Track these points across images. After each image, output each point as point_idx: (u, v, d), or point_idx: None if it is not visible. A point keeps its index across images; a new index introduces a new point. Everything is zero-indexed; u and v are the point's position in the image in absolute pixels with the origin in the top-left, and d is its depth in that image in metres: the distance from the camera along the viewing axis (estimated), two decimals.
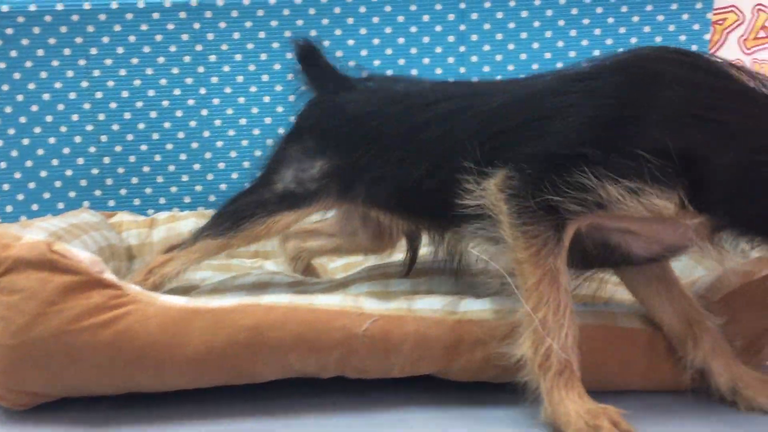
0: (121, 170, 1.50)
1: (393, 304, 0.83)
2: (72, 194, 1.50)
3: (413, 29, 1.49)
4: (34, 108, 1.46)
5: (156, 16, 1.45)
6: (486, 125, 0.84)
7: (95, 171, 1.50)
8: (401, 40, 1.49)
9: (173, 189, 1.51)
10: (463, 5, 1.47)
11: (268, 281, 1.10)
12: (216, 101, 1.49)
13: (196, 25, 1.46)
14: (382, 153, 0.93)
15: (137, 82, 1.48)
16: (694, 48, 1.47)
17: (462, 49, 1.50)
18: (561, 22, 1.49)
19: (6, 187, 1.48)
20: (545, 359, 0.72)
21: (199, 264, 1.03)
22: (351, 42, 1.49)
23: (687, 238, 0.75)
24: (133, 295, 0.79)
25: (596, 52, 1.47)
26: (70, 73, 1.46)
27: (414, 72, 1.48)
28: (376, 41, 1.49)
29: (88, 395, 0.82)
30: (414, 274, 1.05)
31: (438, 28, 1.49)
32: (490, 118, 0.84)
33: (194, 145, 1.51)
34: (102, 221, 1.30)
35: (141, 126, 1.49)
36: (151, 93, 1.48)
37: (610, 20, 1.49)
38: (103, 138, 1.49)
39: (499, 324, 0.80)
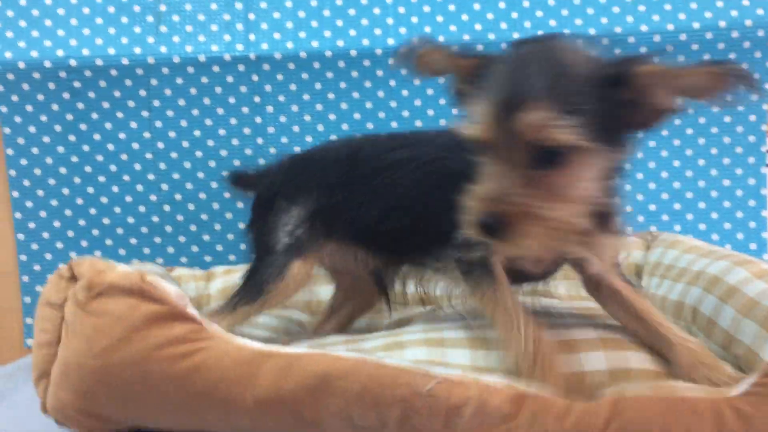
0: (180, 218, 1.54)
1: (461, 371, 0.84)
2: (133, 241, 1.54)
3: None
4: (99, 158, 1.51)
5: (216, 69, 1.49)
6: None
7: (155, 218, 1.54)
8: None
9: (230, 236, 1.54)
10: None
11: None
12: (273, 150, 1.52)
13: (255, 77, 1.49)
14: (347, 195, 1.03)
15: (197, 133, 1.52)
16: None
17: None
18: None
19: (71, 233, 1.53)
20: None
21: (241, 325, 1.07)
22: (405, 92, 1.51)
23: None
24: (212, 332, 0.82)
25: None
26: (133, 125, 1.51)
27: None
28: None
29: (156, 428, 0.84)
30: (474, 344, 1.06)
31: None
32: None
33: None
34: (165, 274, 1.33)
35: (200, 175, 1.53)
36: (210, 143, 1.52)
37: None
38: (164, 187, 1.53)
39: (558, 401, 0.81)
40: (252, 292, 1.03)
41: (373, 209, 1.01)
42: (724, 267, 1.06)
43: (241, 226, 1.53)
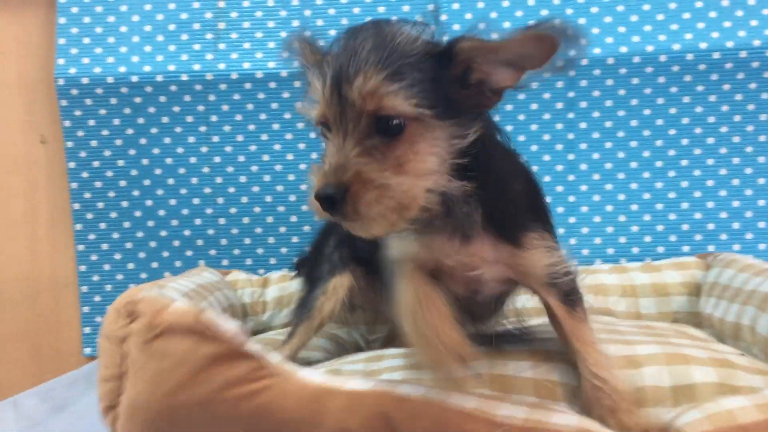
0: (235, 231, 1.56)
1: (524, 412, 0.83)
2: (189, 253, 1.57)
3: None
4: (158, 171, 1.54)
5: (272, 85, 1.51)
6: None
7: (211, 231, 1.56)
8: None
9: (283, 250, 1.56)
10: None
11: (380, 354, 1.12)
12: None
13: None
14: None
15: (253, 147, 1.54)
16: None
17: None
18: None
19: (129, 245, 1.57)
20: None
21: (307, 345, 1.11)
22: None
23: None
24: (273, 367, 0.81)
25: None
26: (191, 139, 1.53)
27: None
28: None
29: None
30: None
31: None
32: None
33: (304, 207, 1.55)
34: (221, 280, 1.35)
35: (255, 189, 1.55)
36: (265, 158, 1.54)
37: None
38: (220, 200, 1.55)
39: None
40: (303, 312, 1.11)
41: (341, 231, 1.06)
42: None
43: (295, 240, 1.55)
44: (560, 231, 1.53)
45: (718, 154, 1.50)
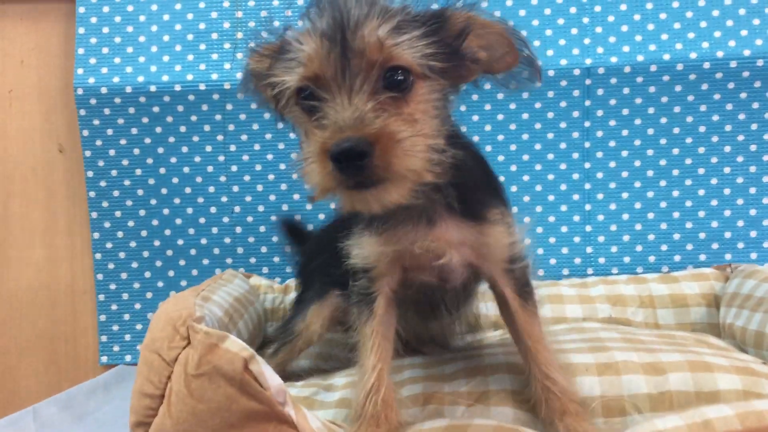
0: (251, 239, 1.57)
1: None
2: (205, 261, 1.57)
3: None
4: (175, 180, 1.55)
5: None
6: None
7: (227, 240, 1.57)
8: None
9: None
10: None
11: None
12: None
13: None
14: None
15: (269, 156, 1.55)
16: None
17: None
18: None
19: (146, 254, 1.57)
20: None
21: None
22: (476, 117, 1.52)
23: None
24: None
25: None
26: (208, 148, 1.54)
27: None
28: None
29: None
30: None
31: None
32: None
33: (321, 216, 1.55)
34: (250, 289, 1.36)
35: (272, 198, 1.55)
36: (282, 166, 1.55)
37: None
38: (237, 209, 1.56)
39: None
40: (285, 335, 1.13)
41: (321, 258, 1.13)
42: None
43: None
44: (576, 239, 1.53)
45: (735, 162, 1.49)
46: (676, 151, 1.50)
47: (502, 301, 0.91)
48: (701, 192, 1.51)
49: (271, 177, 1.55)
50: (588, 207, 1.53)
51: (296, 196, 1.56)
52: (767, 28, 1.45)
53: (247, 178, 1.55)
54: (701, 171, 1.50)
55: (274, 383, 0.78)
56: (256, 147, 1.54)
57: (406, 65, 0.69)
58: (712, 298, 1.31)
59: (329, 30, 0.68)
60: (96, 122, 1.54)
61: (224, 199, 1.56)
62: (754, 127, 1.48)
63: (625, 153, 1.51)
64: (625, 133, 1.50)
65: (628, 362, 0.95)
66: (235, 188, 1.56)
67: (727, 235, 1.51)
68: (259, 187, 1.55)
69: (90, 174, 1.56)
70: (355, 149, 0.63)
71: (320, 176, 0.66)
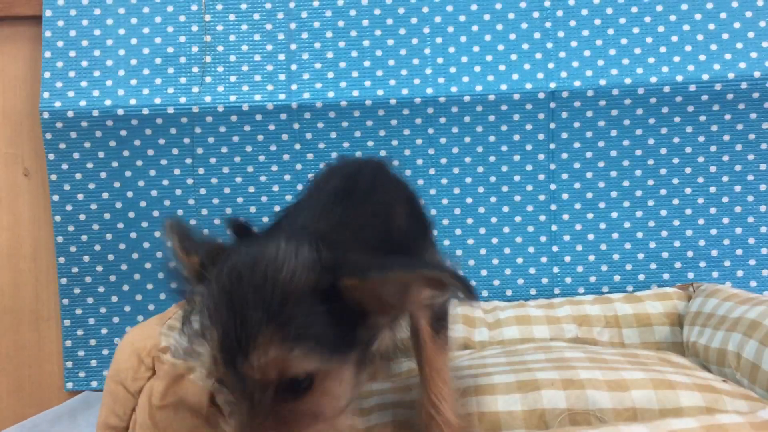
0: None
1: None
2: (173, 285, 1.56)
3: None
4: (143, 203, 1.54)
5: (258, 117, 1.52)
6: None
7: None
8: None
9: None
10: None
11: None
12: None
13: (296, 125, 1.53)
14: None
15: (238, 179, 1.55)
16: None
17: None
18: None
19: (113, 278, 1.56)
20: None
21: None
22: (443, 140, 1.54)
23: None
24: None
25: None
26: (177, 171, 1.54)
27: None
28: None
29: None
30: None
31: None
32: None
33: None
34: None
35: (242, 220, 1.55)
36: (251, 189, 1.55)
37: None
38: (206, 231, 1.55)
39: None
40: None
41: None
42: (762, 311, 1.07)
43: None
44: (543, 260, 1.55)
45: (696, 183, 1.53)
46: (638, 172, 1.53)
47: (414, 329, 0.92)
48: (663, 212, 1.54)
49: (240, 200, 1.55)
50: (554, 228, 1.55)
51: (265, 219, 1.55)
52: (723, 53, 1.49)
53: (216, 201, 1.55)
54: (663, 192, 1.54)
55: None
56: (225, 170, 1.55)
57: (303, 373, 0.64)
58: (676, 317, 1.34)
59: (223, 347, 0.63)
60: (62, 146, 1.52)
61: (193, 222, 1.55)
62: (713, 149, 1.52)
63: (589, 174, 1.54)
64: (589, 155, 1.53)
65: (593, 379, 0.97)
66: (204, 211, 1.55)
67: (690, 254, 1.54)
68: (228, 210, 1.55)
69: (56, 198, 1.54)
70: None
71: None
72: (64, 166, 1.53)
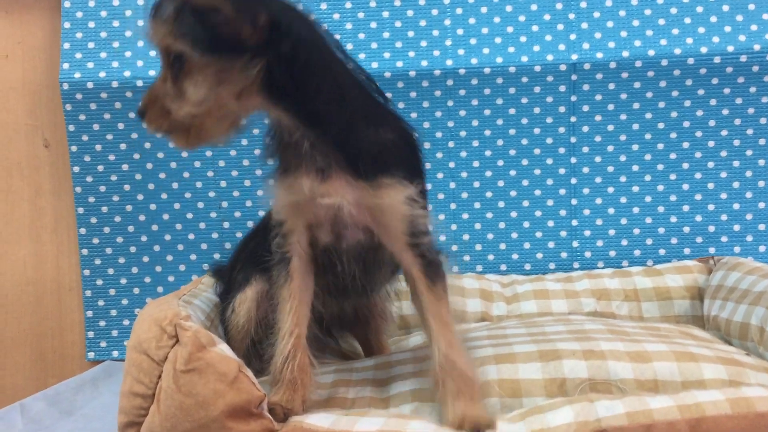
0: (239, 234, 1.56)
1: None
2: (193, 257, 1.57)
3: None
4: (162, 175, 1.55)
5: None
6: None
7: (215, 235, 1.57)
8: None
9: None
10: None
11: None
12: None
13: None
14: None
15: (257, 152, 1.54)
16: None
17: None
18: None
19: (133, 249, 1.57)
20: None
21: None
22: (462, 112, 1.52)
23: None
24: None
25: None
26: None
27: None
28: None
29: None
30: None
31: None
32: None
33: None
34: None
35: (259, 193, 1.55)
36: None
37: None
38: (224, 204, 1.56)
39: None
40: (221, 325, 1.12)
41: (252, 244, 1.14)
42: None
43: None
44: (563, 234, 1.54)
45: (719, 157, 1.51)
46: (660, 146, 1.52)
47: (410, 283, 0.92)
48: (685, 186, 1.52)
49: (258, 172, 1.55)
50: (574, 201, 1.54)
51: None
52: (750, 24, 1.46)
53: (234, 173, 1.55)
54: (685, 166, 1.52)
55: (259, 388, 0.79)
56: (244, 142, 1.54)
57: (174, 51, 0.82)
58: (696, 290, 1.33)
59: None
60: (82, 117, 1.53)
61: (212, 194, 1.56)
62: (737, 122, 1.49)
63: (610, 148, 1.52)
64: (610, 128, 1.52)
65: (614, 350, 0.96)
66: (223, 183, 1.56)
67: (711, 229, 1.52)
68: (247, 182, 1.56)
69: (76, 169, 1.55)
70: (141, 111, 0.87)
71: None
72: (84, 138, 1.54)
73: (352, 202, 0.87)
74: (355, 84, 0.91)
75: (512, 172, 1.54)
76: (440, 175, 1.55)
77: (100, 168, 1.55)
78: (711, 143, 1.51)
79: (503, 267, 1.56)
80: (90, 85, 1.51)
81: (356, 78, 0.92)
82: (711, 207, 1.52)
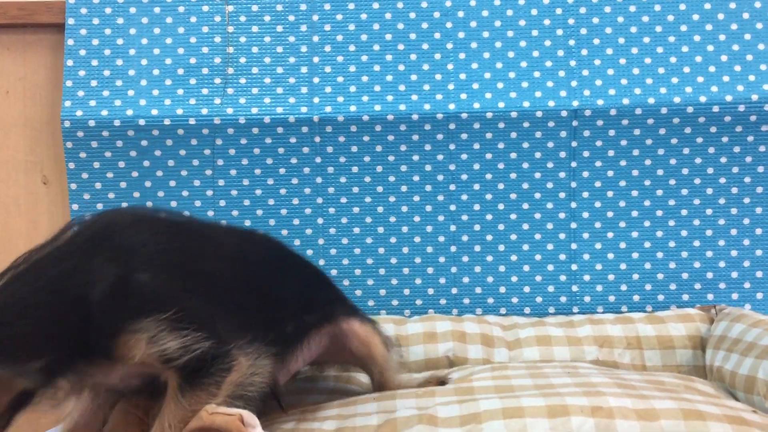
0: None
1: None
2: None
3: None
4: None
5: (280, 130, 1.52)
6: None
7: None
8: None
9: None
10: None
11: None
12: (332, 210, 1.54)
13: (317, 139, 1.52)
14: None
15: (258, 192, 1.54)
16: None
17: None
18: None
19: None
20: None
21: None
22: (464, 156, 1.53)
23: None
24: None
25: None
26: (196, 183, 1.54)
27: None
28: None
29: None
30: None
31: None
32: None
33: (310, 251, 1.55)
34: None
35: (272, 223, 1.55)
36: (270, 202, 1.54)
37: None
38: None
39: None
40: None
41: None
42: None
43: None
44: (562, 278, 1.55)
45: (717, 204, 1.53)
46: (659, 192, 1.53)
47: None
48: (684, 233, 1.53)
49: (259, 212, 1.55)
50: (574, 246, 1.55)
51: (284, 232, 1.55)
52: (748, 74, 1.49)
53: (235, 213, 1.55)
54: (684, 212, 1.53)
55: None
56: (245, 182, 1.54)
57: None
58: (698, 340, 1.33)
59: None
60: (82, 155, 1.52)
61: None
62: (735, 170, 1.51)
63: (610, 193, 1.53)
64: (610, 173, 1.53)
65: (622, 408, 0.95)
66: (223, 222, 1.55)
67: (709, 275, 1.53)
68: (247, 222, 1.55)
69: (75, 207, 1.54)
70: None
71: None
72: (84, 175, 1.53)
73: None
74: None
75: (512, 216, 1.55)
76: (441, 218, 1.55)
77: (99, 206, 1.54)
78: (709, 190, 1.52)
79: (503, 311, 1.56)
80: (92, 123, 1.51)
81: None
82: (709, 253, 1.53)
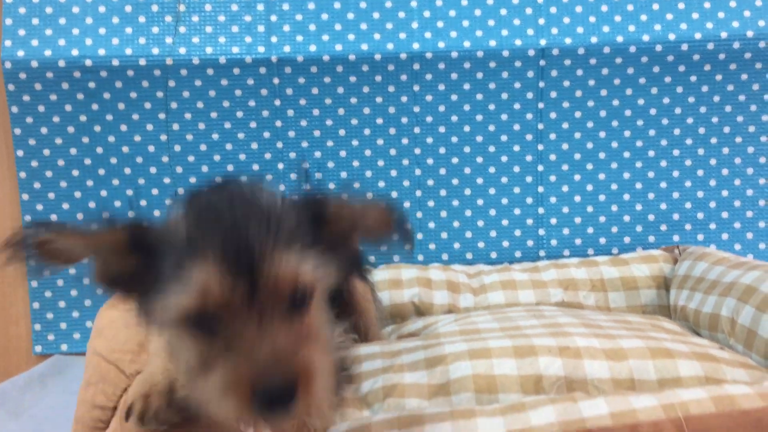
0: None
1: None
2: None
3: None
4: (113, 160, 1.47)
5: (236, 71, 1.45)
6: None
7: None
8: None
9: None
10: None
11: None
12: (293, 155, 1.49)
13: (276, 80, 1.46)
14: None
15: (215, 136, 1.48)
16: None
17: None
18: None
19: None
20: None
21: None
22: (428, 97, 1.48)
23: None
24: None
25: None
26: (149, 127, 1.46)
27: None
28: None
29: None
30: None
31: None
32: None
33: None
34: None
35: (218, 180, 1.48)
36: (228, 146, 1.48)
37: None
38: (180, 190, 1.49)
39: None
40: None
41: None
42: (758, 276, 1.06)
43: None
44: (529, 222, 1.52)
45: (684, 145, 1.51)
46: (627, 133, 1.51)
47: None
48: (651, 174, 1.52)
49: (217, 157, 1.49)
50: (541, 189, 1.52)
51: (243, 179, 1.49)
52: (717, 11, 1.46)
53: (191, 158, 1.49)
54: (651, 153, 1.51)
55: None
56: (201, 126, 1.47)
57: (309, 287, 0.63)
58: (662, 280, 1.33)
59: (229, 258, 0.59)
60: (26, 98, 1.43)
61: (167, 180, 1.49)
62: (702, 110, 1.49)
63: (577, 135, 1.50)
64: (578, 114, 1.50)
65: (590, 347, 0.94)
66: (179, 169, 1.49)
67: (675, 216, 1.53)
68: (204, 168, 1.49)
69: (20, 153, 1.46)
70: (285, 392, 0.57)
71: (236, 409, 0.58)
72: (29, 120, 1.45)
73: None
74: None
75: (479, 159, 1.51)
76: (406, 162, 1.51)
77: (46, 152, 1.46)
78: (676, 131, 1.50)
79: (469, 255, 1.53)
80: (34, 63, 1.42)
81: None
82: (675, 195, 1.52)
